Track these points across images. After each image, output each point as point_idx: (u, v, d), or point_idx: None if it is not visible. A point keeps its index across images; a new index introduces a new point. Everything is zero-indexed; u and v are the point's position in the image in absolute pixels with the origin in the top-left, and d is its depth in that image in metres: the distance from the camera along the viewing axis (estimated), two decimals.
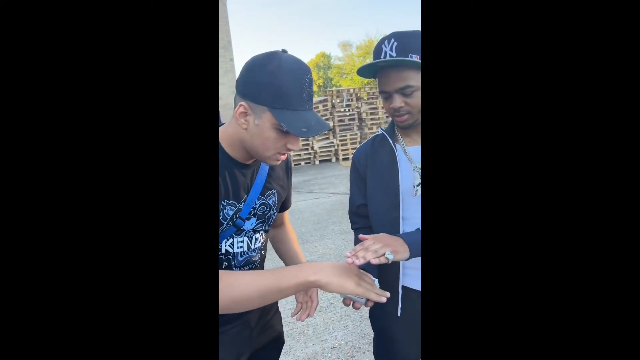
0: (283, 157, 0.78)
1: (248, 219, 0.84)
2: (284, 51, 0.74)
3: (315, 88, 30.55)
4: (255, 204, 0.85)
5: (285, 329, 2.23)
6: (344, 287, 0.68)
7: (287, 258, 1.04)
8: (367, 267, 0.84)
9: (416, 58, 0.82)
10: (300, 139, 0.75)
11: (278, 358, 1.02)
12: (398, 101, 0.86)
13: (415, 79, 0.84)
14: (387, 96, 0.88)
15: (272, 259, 1.06)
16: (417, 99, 0.86)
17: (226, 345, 0.85)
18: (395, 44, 0.84)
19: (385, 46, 0.85)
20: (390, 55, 0.83)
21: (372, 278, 0.76)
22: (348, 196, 1.08)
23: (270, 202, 0.89)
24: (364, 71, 0.88)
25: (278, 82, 0.69)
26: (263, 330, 0.95)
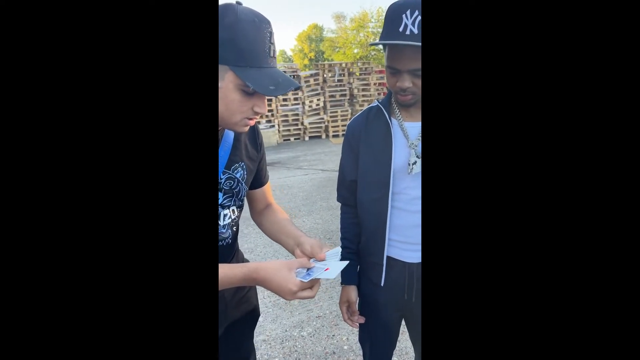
0: (251, 123, 0.73)
1: None
2: (238, 3, 0.67)
3: (306, 61, 29.54)
4: (221, 179, 0.81)
5: (273, 299, 2.31)
6: (280, 294, 0.70)
7: (290, 239, 0.90)
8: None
9: None
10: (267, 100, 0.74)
11: (253, 330, 1.05)
12: (407, 81, 0.83)
13: None
14: (395, 72, 0.84)
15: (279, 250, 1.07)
16: None
17: None
18: (419, 18, 0.76)
19: (407, 18, 0.77)
20: (412, 31, 0.77)
21: (332, 251, 0.77)
22: (337, 173, 1.09)
23: (237, 175, 0.85)
24: (378, 44, 0.84)
25: (238, 37, 0.64)
26: (238, 305, 0.96)
